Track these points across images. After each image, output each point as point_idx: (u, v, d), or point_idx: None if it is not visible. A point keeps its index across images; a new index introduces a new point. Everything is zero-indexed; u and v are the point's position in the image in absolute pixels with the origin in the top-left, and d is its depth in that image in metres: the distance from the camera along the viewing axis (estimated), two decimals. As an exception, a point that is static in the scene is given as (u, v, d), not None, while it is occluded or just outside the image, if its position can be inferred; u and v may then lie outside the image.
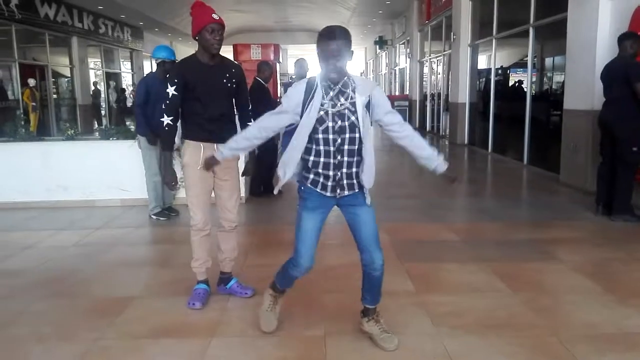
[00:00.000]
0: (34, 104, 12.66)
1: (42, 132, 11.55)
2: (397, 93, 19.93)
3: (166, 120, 3.06)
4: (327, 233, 4.84)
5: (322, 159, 2.50)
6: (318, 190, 2.55)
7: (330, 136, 2.45)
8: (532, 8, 8.46)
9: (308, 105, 2.43)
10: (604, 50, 6.06)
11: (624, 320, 2.99)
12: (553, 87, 12.59)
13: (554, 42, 11.06)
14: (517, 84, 12.06)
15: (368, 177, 2.59)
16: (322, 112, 2.43)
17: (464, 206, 6.43)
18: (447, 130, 13.33)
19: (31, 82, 12.71)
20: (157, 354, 2.68)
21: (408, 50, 17.72)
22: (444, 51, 14.02)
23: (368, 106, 2.52)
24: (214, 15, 3.03)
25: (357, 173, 2.57)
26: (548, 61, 13.11)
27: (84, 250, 4.50)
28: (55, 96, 15.05)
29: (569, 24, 6.89)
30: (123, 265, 4.05)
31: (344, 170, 2.53)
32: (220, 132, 3.05)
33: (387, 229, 4.93)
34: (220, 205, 3.29)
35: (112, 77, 19.29)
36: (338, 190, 2.57)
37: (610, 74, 5.09)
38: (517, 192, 7.26)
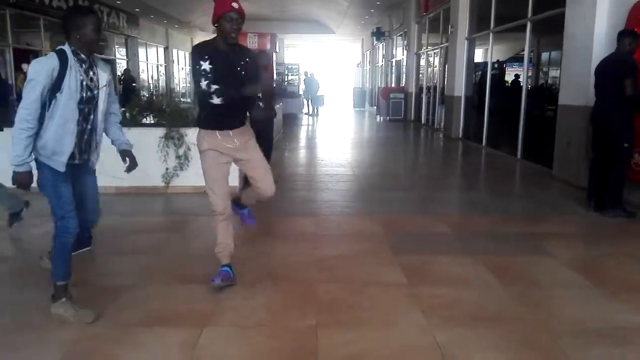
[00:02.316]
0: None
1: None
2: (393, 85, 19.89)
3: (216, 100, 3.01)
4: (319, 224, 4.88)
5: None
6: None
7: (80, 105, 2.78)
8: (530, 2, 8.45)
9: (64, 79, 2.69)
10: (600, 46, 6.07)
11: (614, 315, 3.02)
12: (548, 82, 12.61)
13: (551, 37, 11.07)
14: (513, 78, 12.07)
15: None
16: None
17: (457, 199, 6.46)
18: (442, 124, 13.34)
19: (25, 67, 12.58)
20: (149, 343, 2.69)
21: (405, 42, 17.67)
22: (441, 44, 13.99)
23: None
24: (234, 4, 2.98)
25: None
26: (544, 56, 13.12)
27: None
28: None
29: (566, 19, 6.89)
30: (115, 254, 4.04)
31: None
32: (233, 119, 3.16)
33: (380, 221, 4.96)
34: (256, 185, 3.35)
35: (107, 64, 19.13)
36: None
37: (603, 70, 5.12)
38: (510, 186, 7.30)
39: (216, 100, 3.01)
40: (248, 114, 3.34)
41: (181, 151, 5.92)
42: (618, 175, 5.09)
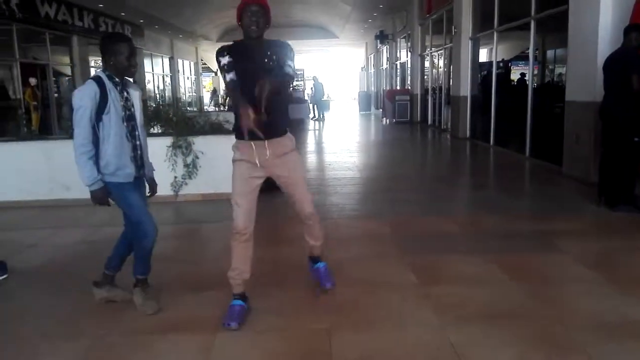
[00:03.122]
0: (35, 103, 12.68)
1: (44, 131, 11.58)
2: (398, 87, 19.89)
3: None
4: (329, 227, 4.88)
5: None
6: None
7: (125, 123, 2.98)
8: (533, 0, 8.43)
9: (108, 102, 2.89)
10: (606, 41, 6.04)
11: (628, 309, 2.99)
12: (555, 79, 12.56)
13: (556, 34, 11.04)
14: (519, 77, 12.03)
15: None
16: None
17: (466, 199, 6.44)
18: (449, 124, 13.31)
19: (32, 81, 12.72)
20: (164, 350, 2.70)
21: (409, 44, 17.68)
22: (445, 45, 13.98)
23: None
24: None
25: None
26: (550, 53, 13.08)
27: (88, 248, 4.53)
28: (56, 95, 15.07)
29: (570, 15, 6.87)
30: (127, 262, 4.06)
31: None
32: (270, 126, 2.71)
33: (389, 222, 4.96)
34: (292, 202, 3.11)
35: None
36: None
37: (611, 65, 5.10)
38: (520, 184, 7.26)
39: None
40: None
41: (189, 159, 5.95)
42: (629, 170, 5.06)
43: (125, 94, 2.96)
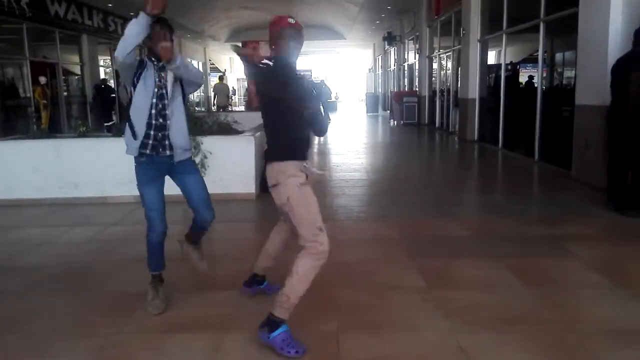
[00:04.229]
0: (45, 101, 12.76)
1: (54, 130, 11.63)
2: (406, 89, 19.87)
3: None
4: (339, 229, 4.88)
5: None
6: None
7: (154, 100, 2.98)
8: (543, 2, 8.39)
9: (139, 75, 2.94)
10: (616, 44, 6.00)
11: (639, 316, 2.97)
12: (564, 82, 12.50)
13: (565, 37, 10.98)
14: (527, 80, 11.99)
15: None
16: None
17: (474, 202, 6.41)
18: (457, 127, 13.27)
19: (42, 79, 12.80)
20: (173, 348, 2.71)
21: (417, 46, 17.65)
22: (454, 47, 13.94)
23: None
24: (290, 20, 2.79)
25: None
26: (558, 56, 13.01)
27: (98, 246, 4.55)
28: (65, 94, 15.15)
29: (580, 18, 6.84)
30: (138, 261, 4.07)
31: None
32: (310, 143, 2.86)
33: (397, 225, 4.95)
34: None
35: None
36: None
37: (619, 69, 5.09)
38: (528, 188, 7.23)
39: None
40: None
41: (197, 159, 5.96)
42: (637, 174, 5.03)
43: (162, 73, 3.00)
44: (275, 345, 2.60)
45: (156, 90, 2.97)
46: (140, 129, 2.97)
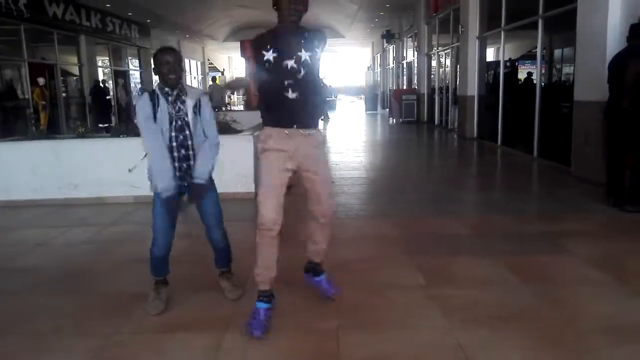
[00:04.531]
0: (43, 102, 12.75)
1: (53, 131, 11.64)
2: (404, 87, 19.85)
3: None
4: (338, 227, 4.87)
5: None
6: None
7: (173, 134, 2.93)
8: (541, -1, 8.39)
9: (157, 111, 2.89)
10: (614, 40, 6.00)
11: (639, 312, 2.97)
12: (562, 78, 12.49)
13: (563, 33, 10.98)
14: (526, 76, 11.98)
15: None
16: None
17: (473, 200, 6.41)
18: (456, 124, 13.27)
19: (41, 81, 12.79)
20: (173, 348, 2.71)
21: (415, 43, 17.64)
22: (452, 44, 13.94)
23: (197, 109, 2.98)
24: None
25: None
26: (557, 53, 13.00)
27: (97, 247, 4.55)
28: (64, 95, 15.15)
29: (578, 14, 6.83)
30: (136, 262, 4.07)
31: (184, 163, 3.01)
32: (301, 112, 2.80)
33: (397, 223, 4.94)
34: (311, 198, 3.00)
35: (120, 75, 19.34)
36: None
37: (615, 64, 5.09)
38: (528, 185, 7.23)
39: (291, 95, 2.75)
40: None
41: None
42: (636, 169, 5.03)
43: (179, 103, 2.95)
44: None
45: (173, 123, 2.93)
46: (164, 166, 2.94)
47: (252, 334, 2.76)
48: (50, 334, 2.89)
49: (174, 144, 2.95)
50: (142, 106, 2.91)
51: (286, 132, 2.79)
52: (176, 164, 2.98)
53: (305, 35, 2.83)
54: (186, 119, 2.95)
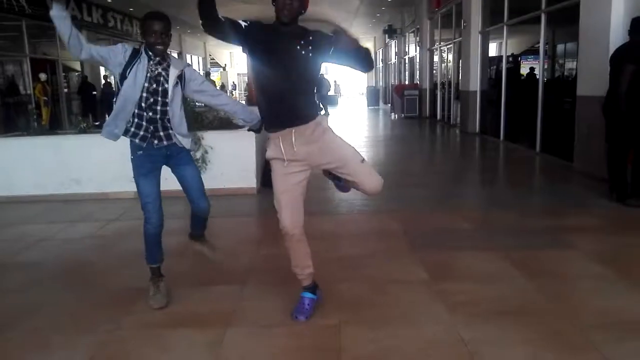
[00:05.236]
0: (45, 98, 12.75)
1: (54, 126, 11.64)
2: (406, 82, 19.80)
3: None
4: (341, 223, 4.87)
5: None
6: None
7: (144, 94, 2.90)
8: (544, -7, 8.35)
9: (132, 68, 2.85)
10: (617, 35, 5.96)
11: (642, 307, 2.96)
12: (565, 73, 12.46)
13: (566, 28, 10.92)
14: (529, 71, 11.94)
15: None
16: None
17: (476, 195, 6.40)
18: (458, 119, 13.24)
19: (42, 76, 12.79)
20: (175, 343, 2.71)
21: (418, 38, 17.58)
22: (454, 39, 13.89)
23: (181, 79, 2.99)
24: None
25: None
26: (560, 48, 12.97)
27: (99, 242, 4.55)
28: (66, 90, 15.14)
29: (581, 9, 6.79)
30: (138, 257, 4.07)
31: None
32: (292, 113, 2.68)
33: (399, 218, 4.93)
34: (352, 182, 3.02)
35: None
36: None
37: (615, 58, 5.07)
38: (530, 180, 7.21)
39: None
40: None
41: (198, 154, 5.95)
42: (636, 164, 5.03)
43: (160, 68, 2.92)
44: None
45: (147, 85, 2.89)
46: (122, 120, 2.95)
47: (296, 318, 2.87)
48: (52, 330, 2.89)
49: (143, 104, 2.91)
50: (115, 50, 2.89)
51: (280, 136, 2.69)
52: (143, 123, 2.95)
53: (299, 33, 2.70)
54: (166, 85, 2.92)
